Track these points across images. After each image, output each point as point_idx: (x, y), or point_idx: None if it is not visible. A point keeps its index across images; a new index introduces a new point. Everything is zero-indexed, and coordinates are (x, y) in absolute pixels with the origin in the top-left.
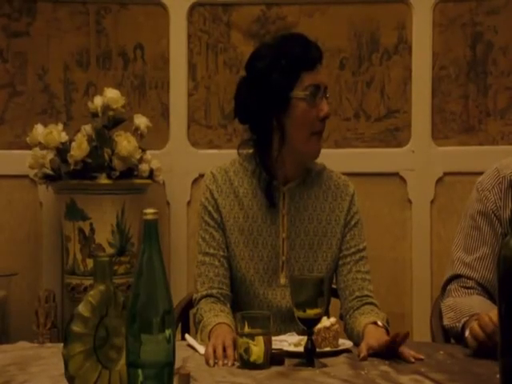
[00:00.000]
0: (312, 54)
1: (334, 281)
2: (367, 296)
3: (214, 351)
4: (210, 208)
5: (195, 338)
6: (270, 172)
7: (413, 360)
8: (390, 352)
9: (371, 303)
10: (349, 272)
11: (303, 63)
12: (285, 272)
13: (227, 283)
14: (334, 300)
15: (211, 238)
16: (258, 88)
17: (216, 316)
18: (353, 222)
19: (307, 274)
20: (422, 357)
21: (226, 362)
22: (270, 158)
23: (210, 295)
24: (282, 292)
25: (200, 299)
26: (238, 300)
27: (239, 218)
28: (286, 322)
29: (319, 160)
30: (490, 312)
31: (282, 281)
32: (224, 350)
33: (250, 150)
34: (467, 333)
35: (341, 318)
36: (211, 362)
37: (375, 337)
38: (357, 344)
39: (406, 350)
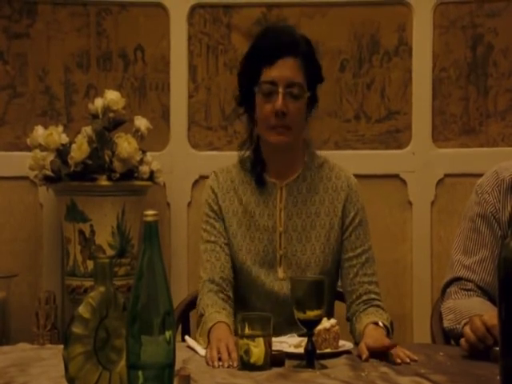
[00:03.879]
0: (273, 48)
1: (339, 283)
2: (374, 299)
3: (219, 353)
4: (210, 201)
5: (195, 338)
6: (265, 167)
7: (408, 360)
8: (382, 356)
9: (377, 306)
10: (355, 275)
11: (263, 59)
12: (283, 267)
13: (229, 267)
14: (338, 303)
15: (212, 228)
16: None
17: (218, 313)
18: (357, 221)
19: (309, 275)
20: (416, 358)
21: (230, 363)
22: (262, 152)
23: (212, 281)
24: (279, 285)
25: (203, 285)
26: (238, 285)
27: (238, 213)
28: (287, 313)
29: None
30: (486, 314)
31: (281, 275)
32: (228, 353)
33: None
34: None
35: (348, 320)
36: (216, 363)
37: (374, 336)
38: (358, 343)
39: (401, 352)
